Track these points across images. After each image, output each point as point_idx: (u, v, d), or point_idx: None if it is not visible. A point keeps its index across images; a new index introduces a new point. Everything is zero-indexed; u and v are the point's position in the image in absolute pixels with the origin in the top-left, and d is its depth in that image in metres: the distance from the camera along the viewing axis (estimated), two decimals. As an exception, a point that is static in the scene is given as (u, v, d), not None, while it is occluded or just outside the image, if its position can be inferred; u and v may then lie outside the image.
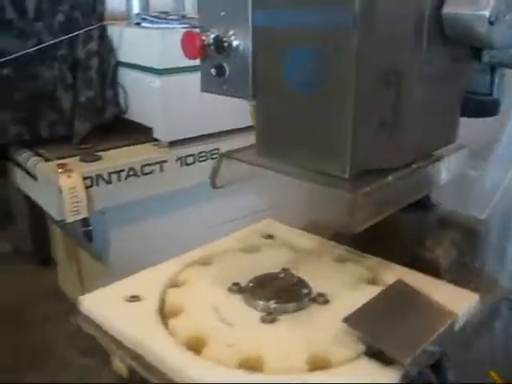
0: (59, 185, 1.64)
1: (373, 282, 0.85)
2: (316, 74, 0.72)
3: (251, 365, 0.67)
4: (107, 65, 1.93)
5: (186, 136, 1.89)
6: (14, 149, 1.88)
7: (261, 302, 0.78)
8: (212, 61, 0.86)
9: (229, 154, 0.84)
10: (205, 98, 0.91)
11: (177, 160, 1.86)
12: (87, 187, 1.70)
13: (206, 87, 0.89)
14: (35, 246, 2.34)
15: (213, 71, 0.85)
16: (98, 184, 1.73)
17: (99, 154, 1.81)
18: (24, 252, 2.41)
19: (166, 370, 0.68)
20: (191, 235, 1.08)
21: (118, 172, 1.75)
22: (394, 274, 0.86)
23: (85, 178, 1.69)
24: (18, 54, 1.80)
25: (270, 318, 0.75)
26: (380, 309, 0.74)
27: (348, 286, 0.82)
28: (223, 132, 1.94)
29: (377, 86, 0.72)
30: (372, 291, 0.78)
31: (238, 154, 0.83)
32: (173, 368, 0.67)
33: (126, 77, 1.94)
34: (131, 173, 1.78)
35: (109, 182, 1.74)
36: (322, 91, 0.72)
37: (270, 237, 0.99)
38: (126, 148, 1.88)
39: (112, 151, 1.85)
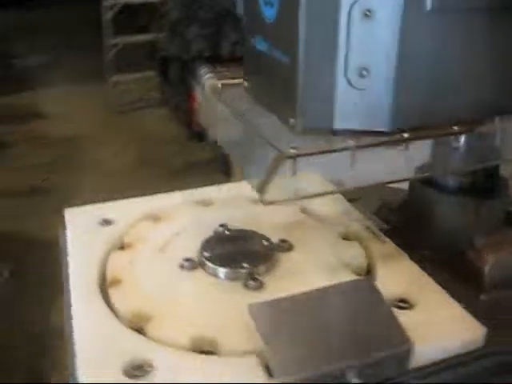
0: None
1: (362, 273, 0.67)
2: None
3: (138, 321, 0.60)
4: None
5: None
6: (197, 65, 1.97)
7: (206, 253, 0.67)
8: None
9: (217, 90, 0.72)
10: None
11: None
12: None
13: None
14: (222, 159, 2.50)
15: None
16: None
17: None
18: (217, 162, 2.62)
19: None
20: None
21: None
22: (397, 269, 0.66)
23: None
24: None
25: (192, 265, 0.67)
26: (310, 307, 0.57)
27: (322, 271, 0.66)
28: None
29: (351, 12, 0.52)
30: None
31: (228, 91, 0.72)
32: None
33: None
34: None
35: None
36: (281, 17, 0.56)
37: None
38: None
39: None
